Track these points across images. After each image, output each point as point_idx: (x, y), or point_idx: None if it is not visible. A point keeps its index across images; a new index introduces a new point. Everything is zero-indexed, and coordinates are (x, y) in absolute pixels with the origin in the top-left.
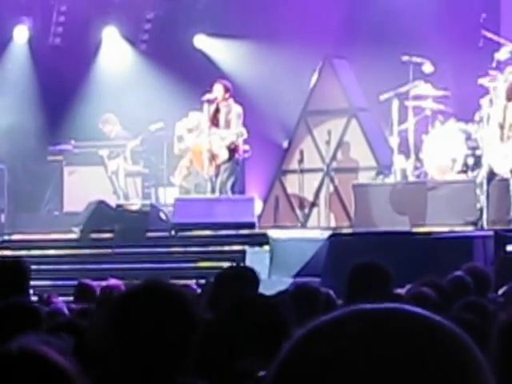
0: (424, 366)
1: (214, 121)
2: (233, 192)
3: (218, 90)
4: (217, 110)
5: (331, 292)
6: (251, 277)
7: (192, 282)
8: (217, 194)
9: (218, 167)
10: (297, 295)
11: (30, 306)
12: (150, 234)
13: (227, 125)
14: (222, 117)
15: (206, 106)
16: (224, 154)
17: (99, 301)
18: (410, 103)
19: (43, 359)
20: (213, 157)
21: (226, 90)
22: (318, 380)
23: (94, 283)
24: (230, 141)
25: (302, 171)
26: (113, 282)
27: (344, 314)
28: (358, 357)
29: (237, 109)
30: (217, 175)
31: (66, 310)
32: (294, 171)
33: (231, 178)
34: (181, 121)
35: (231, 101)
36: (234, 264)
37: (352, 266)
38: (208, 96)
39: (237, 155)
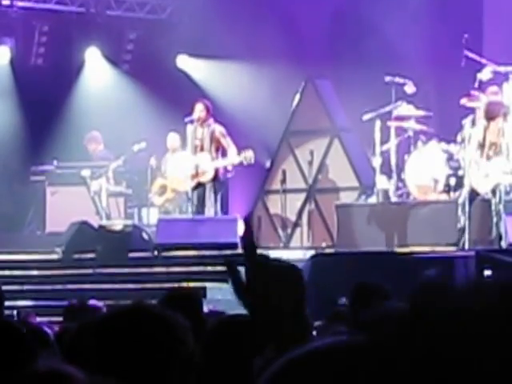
0: None
1: (199, 144)
2: (222, 211)
3: (199, 109)
4: (198, 133)
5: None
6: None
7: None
8: (201, 214)
9: (198, 184)
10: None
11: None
12: (132, 255)
13: (216, 147)
14: (205, 138)
15: (190, 127)
16: (211, 173)
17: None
18: (392, 123)
19: (71, 378)
20: (197, 173)
21: (207, 109)
22: None
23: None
24: (232, 163)
25: (285, 191)
26: (93, 302)
27: (320, 346)
28: None
29: (220, 128)
30: (197, 194)
31: (48, 330)
32: (276, 191)
33: (219, 197)
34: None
35: (211, 120)
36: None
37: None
38: (190, 118)
39: (220, 175)
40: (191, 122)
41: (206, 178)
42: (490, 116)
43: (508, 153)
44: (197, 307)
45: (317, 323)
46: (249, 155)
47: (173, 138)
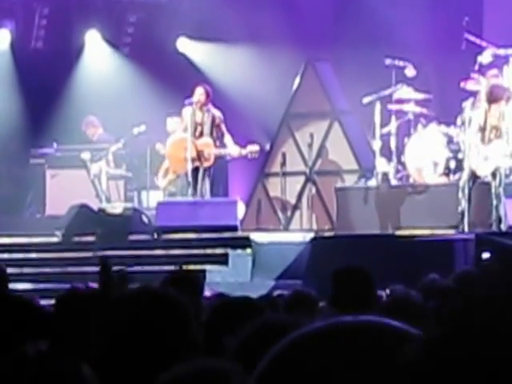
0: (399, 380)
1: (199, 128)
2: (212, 194)
3: (199, 93)
4: (198, 117)
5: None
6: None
7: None
8: (198, 197)
9: (196, 168)
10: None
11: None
12: (132, 237)
13: (217, 131)
14: (206, 122)
15: (189, 109)
16: (212, 160)
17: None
18: (392, 106)
19: (61, 362)
20: (199, 158)
21: (207, 94)
22: None
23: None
24: (236, 155)
25: (285, 174)
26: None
27: (323, 326)
28: (336, 370)
29: (219, 114)
30: (195, 177)
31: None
32: (276, 174)
33: (209, 182)
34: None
35: (210, 105)
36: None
37: (334, 270)
38: (190, 100)
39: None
40: (190, 104)
41: (207, 164)
42: (492, 99)
43: (508, 136)
44: (198, 290)
45: (321, 304)
46: (254, 149)
47: (173, 123)
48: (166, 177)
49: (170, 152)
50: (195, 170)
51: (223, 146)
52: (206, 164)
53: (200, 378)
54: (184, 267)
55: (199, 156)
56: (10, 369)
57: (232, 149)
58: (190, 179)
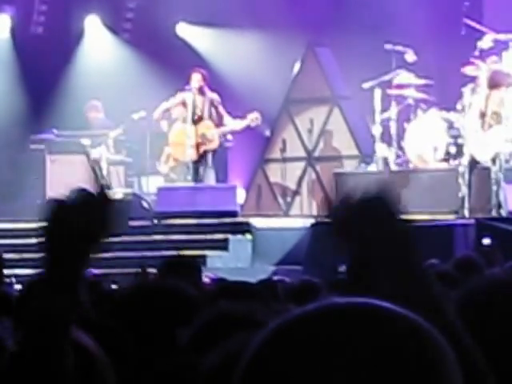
0: (395, 365)
1: (199, 113)
2: (219, 180)
3: (197, 78)
4: (198, 102)
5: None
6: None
7: None
8: (202, 182)
9: (204, 153)
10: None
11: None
12: (132, 223)
13: (216, 114)
14: (205, 106)
15: (189, 95)
16: (217, 140)
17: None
18: (392, 92)
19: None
20: (203, 142)
21: (204, 78)
22: (287, 375)
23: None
24: (240, 127)
25: (285, 160)
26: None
27: (316, 309)
28: (328, 355)
29: (216, 97)
30: (199, 162)
31: None
32: (276, 160)
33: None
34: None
35: (207, 89)
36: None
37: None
38: (189, 87)
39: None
40: (190, 90)
41: (213, 145)
42: (493, 85)
43: (508, 122)
44: (197, 275)
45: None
46: (255, 116)
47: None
48: (167, 163)
49: (174, 141)
50: (202, 156)
51: (224, 126)
52: (212, 146)
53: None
54: (181, 253)
55: (203, 140)
56: None
57: (233, 124)
58: (191, 165)
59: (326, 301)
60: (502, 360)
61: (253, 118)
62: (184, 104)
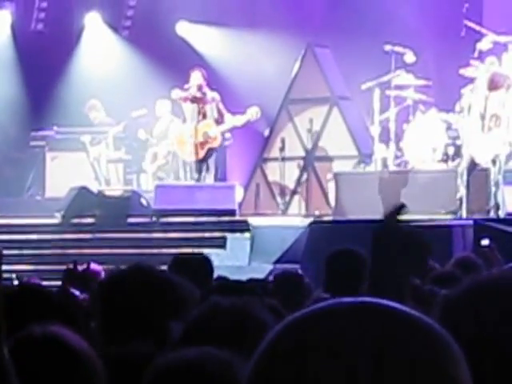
0: (400, 362)
1: (202, 111)
2: (219, 178)
3: (197, 77)
4: (197, 100)
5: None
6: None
7: None
8: (205, 180)
9: (208, 151)
10: (280, 282)
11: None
12: (131, 220)
13: (217, 112)
14: (206, 105)
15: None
16: (220, 138)
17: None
18: (391, 92)
19: (66, 343)
20: (207, 141)
21: (204, 77)
22: (294, 375)
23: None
24: (240, 122)
25: (283, 159)
26: (93, 266)
27: (322, 308)
28: (336, 354)
29: (216, 95)
30: (203, 160)
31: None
32: (275, 159)
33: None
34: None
35: (206, 87)
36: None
37: (328, 253)
38: (189, 86)
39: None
40: (189, 89)
41: (217, 143)
42: (493, 87)
43: (508, 124)
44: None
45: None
46: (255, 111)
47: (163, 106)
48: (154, 162)
49: (179, 141)
50: (207, 155)
51: (224, 123)
52: (216, 143)
53: (200, 365)
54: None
55: (206, 138)
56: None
57: (234, 120)
58: (193, 165)
59: (332, 300)
60: (498, 360)
61: (253, 113)
62: (193, 100)
